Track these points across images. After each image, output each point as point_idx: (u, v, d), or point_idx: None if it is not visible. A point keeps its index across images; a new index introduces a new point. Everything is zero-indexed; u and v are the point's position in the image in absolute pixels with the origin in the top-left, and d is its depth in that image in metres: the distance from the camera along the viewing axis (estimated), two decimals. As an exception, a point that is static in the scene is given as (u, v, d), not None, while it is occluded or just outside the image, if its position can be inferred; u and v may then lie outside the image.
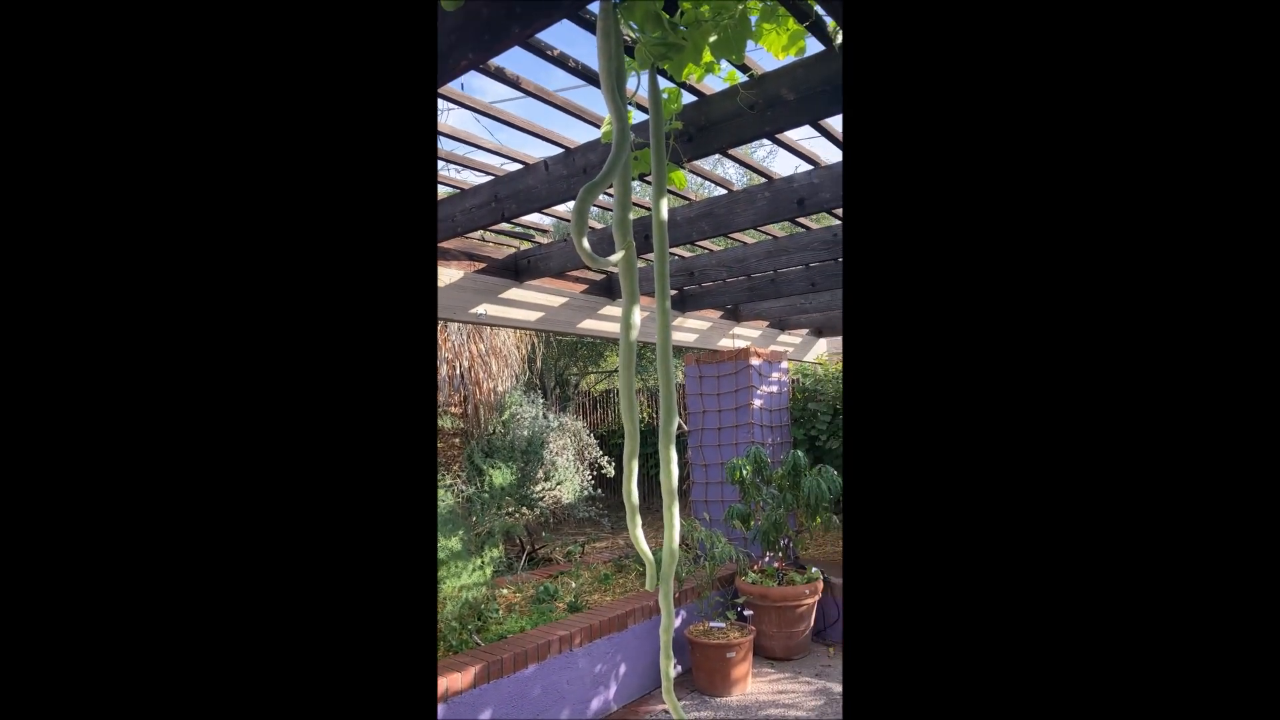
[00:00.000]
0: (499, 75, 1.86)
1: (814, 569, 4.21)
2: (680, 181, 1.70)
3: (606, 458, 6.37)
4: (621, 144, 1.02)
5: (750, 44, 1.71)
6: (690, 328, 5.02)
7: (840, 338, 6.99)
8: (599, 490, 6.71)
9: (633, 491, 1.00)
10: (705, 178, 2.76)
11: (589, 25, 1.61)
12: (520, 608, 4.06)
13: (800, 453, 4.24)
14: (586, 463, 6.35)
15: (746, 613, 3.95)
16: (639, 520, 1.01)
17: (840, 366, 5.69)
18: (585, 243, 0.91)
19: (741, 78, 1.92)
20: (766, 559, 4.24)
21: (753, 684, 3.71)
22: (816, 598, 4.10)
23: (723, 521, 4.46)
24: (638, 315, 1.02)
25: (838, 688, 3.63)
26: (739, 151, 2.58)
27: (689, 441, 5.38)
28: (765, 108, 1.85)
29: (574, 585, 4.58)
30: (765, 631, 3.98)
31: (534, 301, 3.75)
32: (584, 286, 4.07)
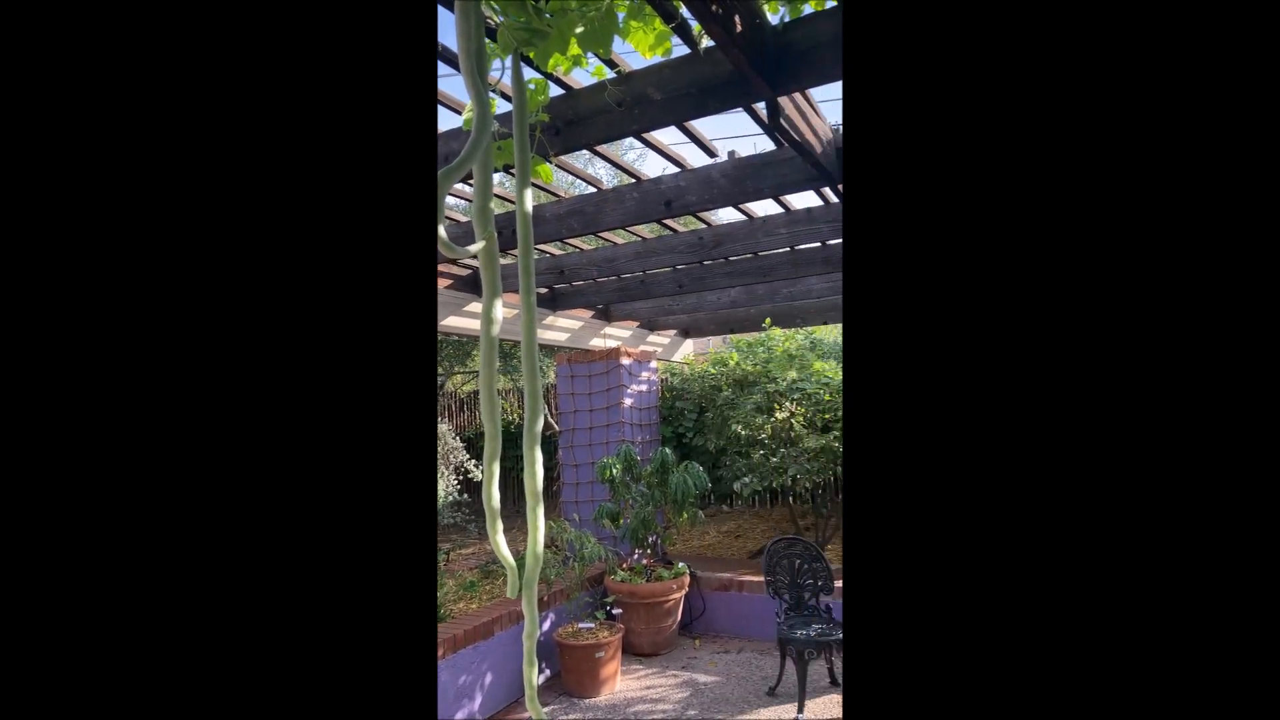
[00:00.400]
0: (350, 50, 1.72)
1: (681, 564, 4.32)
2: (546, 175, 1.66)
3: (474, 461, 6.16)
4: (481, 128, 0.96)
5: (620, 42, 1.70)
6: (562, 327, 4.97)
7: (705, 339, 7.24)
8: (465, 495, 6.47)
9: (493, 495, 0.95)
10: (576, 175, 2.73)
11: (449, 2, 1.52)
12: (378, 623, 3.80)
13: (668, 450, 4.33)
14: (452, 467, 6.11)
15: (615, 611, 3.97)
16: (499, 525, 0.96)
17: (705, 366, 5.89)
18: (442, 231, 0.85)
19: (610, 74, 1.91)
20: (635, 556, 4.28)
21: (621, 682, 3.73)
22: (683, 592, 4.20)
23: (592, 521, 4.45)
24: (499, 310, 0.97)
25: (703, 678, 3.74)
26: (610, 151, 2.57)
27: (560, 442, 5.33)
28: (633, 105, 1.85)
29: (438, 595, 4.37)
30: (634, 629, 4.02)
31: (393, 297, 3.53)
32: (449, 282, 3.90)
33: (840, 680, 3.56)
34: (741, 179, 2.58)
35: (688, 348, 6.61)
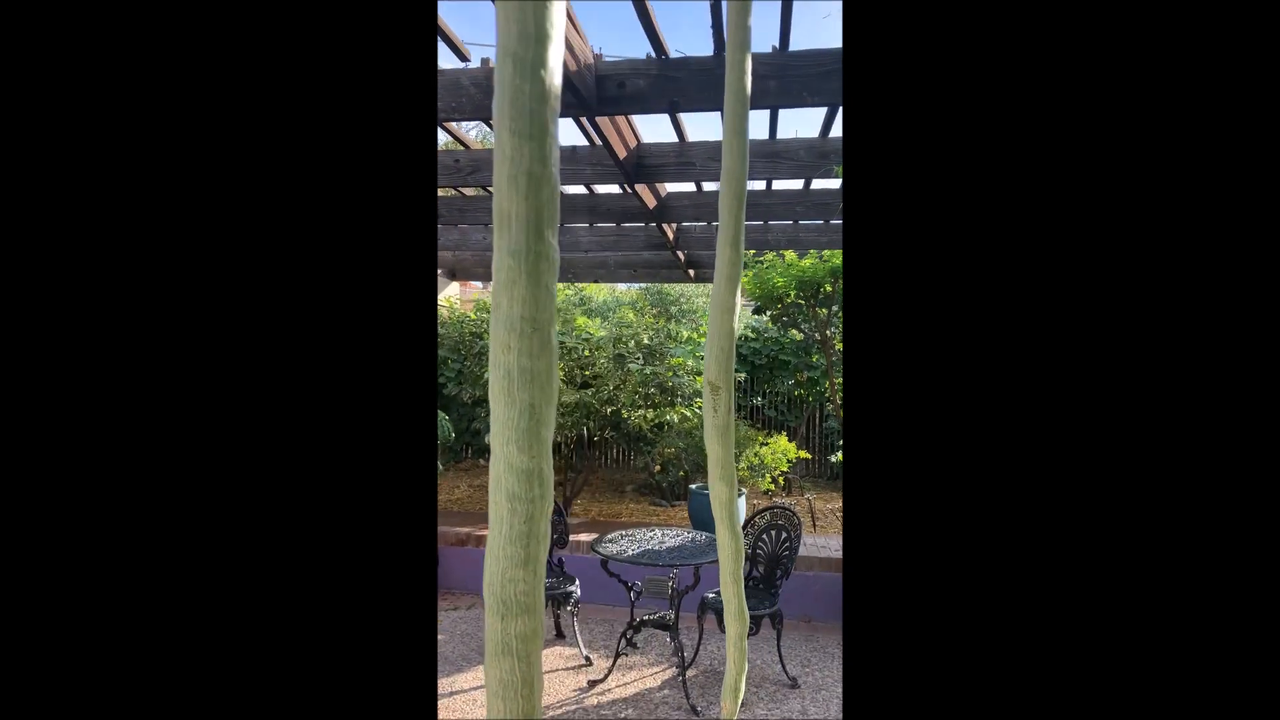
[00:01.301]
0: None
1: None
2: None
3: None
4: None
5: None
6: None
7: (475, 283, 6.84)
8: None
9: None
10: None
11: None
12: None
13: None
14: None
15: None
16: None
17: (469, 311, 5.53)
18: None
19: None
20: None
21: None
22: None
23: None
24: None
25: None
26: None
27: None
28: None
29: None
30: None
31: None
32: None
33: (564, 631, 3.56)
34: (493, 91, 2.30)
35: (453, 290, 6.17)
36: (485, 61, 2.36)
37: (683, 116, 2.86)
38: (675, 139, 3.02)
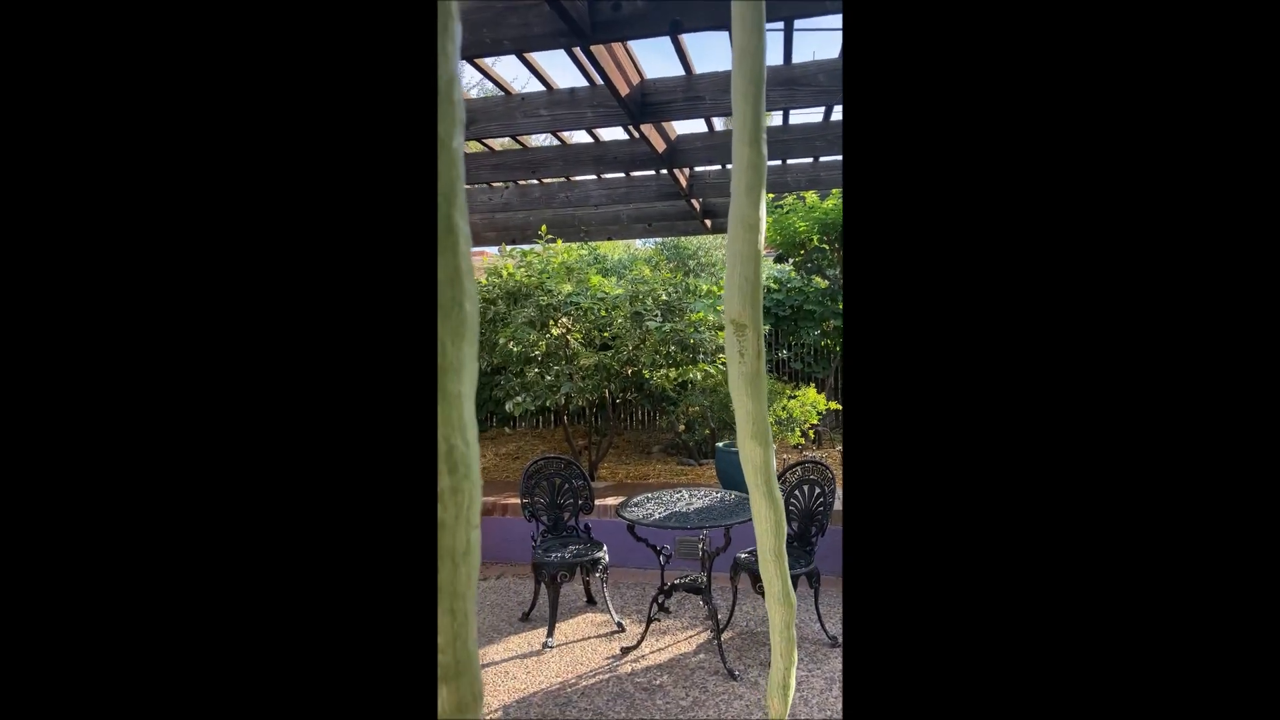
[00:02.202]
0: None
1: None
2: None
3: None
4: None
5: None
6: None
7: (490, 249, 6.67)
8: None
9: None
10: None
11: None
12: None
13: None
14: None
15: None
16: None
17: (480, 278, 5.37)
18: None
19: None
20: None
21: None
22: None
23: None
24: None
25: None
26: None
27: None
28: None
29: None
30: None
31: None
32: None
33: (595, 598, 3.48)
34: (477, 25, 2.09)
35: (463, 258, 6.02)
36: (466, -8, 2.14)
37: (689, 48, 2.62)
38: (681, 72, 2.78)
